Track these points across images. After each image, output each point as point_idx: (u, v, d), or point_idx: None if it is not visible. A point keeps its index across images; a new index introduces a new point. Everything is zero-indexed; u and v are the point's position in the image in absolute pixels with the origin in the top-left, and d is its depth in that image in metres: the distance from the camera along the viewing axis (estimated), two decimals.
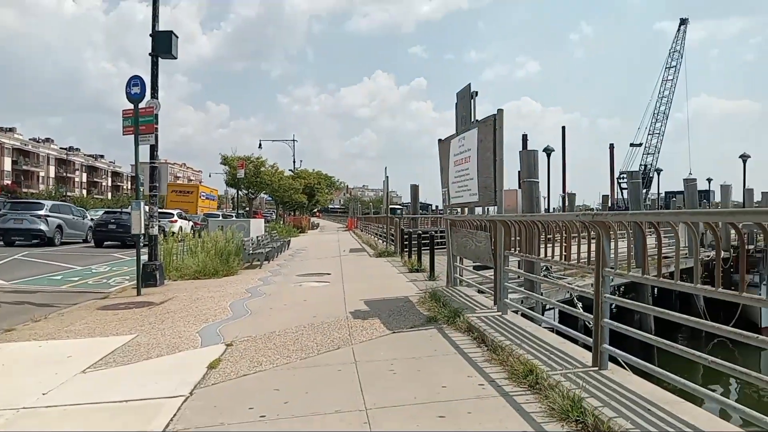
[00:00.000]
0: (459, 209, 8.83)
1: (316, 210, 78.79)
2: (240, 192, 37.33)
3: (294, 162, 49.93)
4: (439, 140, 8.85)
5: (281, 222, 40.90)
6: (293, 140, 49.72)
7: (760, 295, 16.17)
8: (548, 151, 29.53)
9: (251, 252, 14.75)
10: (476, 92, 7.20)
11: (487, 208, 7.88)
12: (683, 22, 66.87)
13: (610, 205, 48.01)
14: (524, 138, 49.33)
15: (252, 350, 5.49)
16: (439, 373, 4.54)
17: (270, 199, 51.42)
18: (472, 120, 7.22)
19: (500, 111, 6.45)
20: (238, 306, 8.13)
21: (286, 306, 8.22)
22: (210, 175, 64.35)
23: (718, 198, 29.78)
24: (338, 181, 69.16)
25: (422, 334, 6.00)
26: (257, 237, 17.36)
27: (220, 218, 31.77)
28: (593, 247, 4.22)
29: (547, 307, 12.71)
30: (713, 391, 3.77)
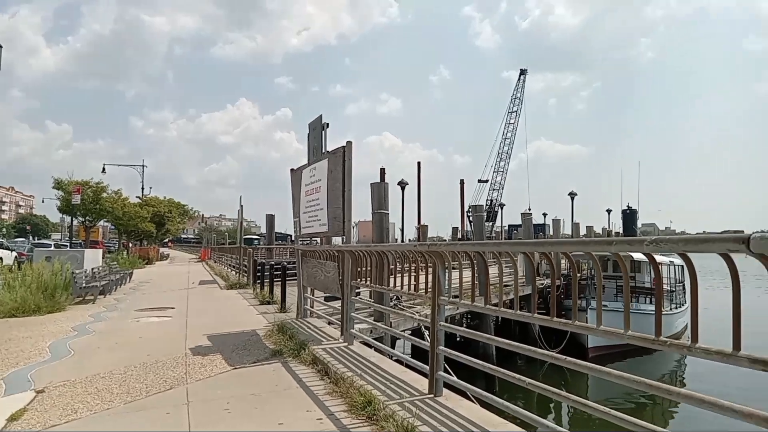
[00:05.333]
0: (311, 239, 8.78)
1: (167, 240, 74.11)
2: (76, 220, 33.91)
3: (142, 189, 46.71)
4: (292, 170, 8.76)
5: (125, 252, 37.75)
6: (142, 165, 46.58)
7: (587, 318, 17.96)
8: (403, 184, 30.74)
9: (84, 285, 13.35)
10: (327, 123, 7.25)
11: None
12: (523, 72, 74.25)
13: (459, 236, 50.88)
14: (382, 171, 50.93)
15: (68, 396, 4.87)
16: (277, 409, 4.36)
17: (114, 228, 47.33)
18: (323, 151, 7.24)
19: (349, 143, 6.55)
20: (59, 346, 7.24)
21: (117, 345, 7.47)
22: (43, 201, 57.61)
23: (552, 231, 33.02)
24: (192, 209, 65.93)
25: (265, 369, 5.76)
26: (93, 269, 15.78)
27: (52, 248, 28.62)
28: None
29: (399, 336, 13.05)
30: (545, 417, 4.01)
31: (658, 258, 2.59)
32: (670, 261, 22.54)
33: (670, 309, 20.33)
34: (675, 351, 2.34)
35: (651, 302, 20.10)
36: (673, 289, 21.68)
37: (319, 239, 8.58)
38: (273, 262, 14.42)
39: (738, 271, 2.12)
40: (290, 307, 10.34)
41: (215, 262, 35.74)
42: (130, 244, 44.99)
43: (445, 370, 4.44)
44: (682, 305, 22.19)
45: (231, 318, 9.87)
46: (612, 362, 17.26)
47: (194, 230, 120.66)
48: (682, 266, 22.63)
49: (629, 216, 38.31)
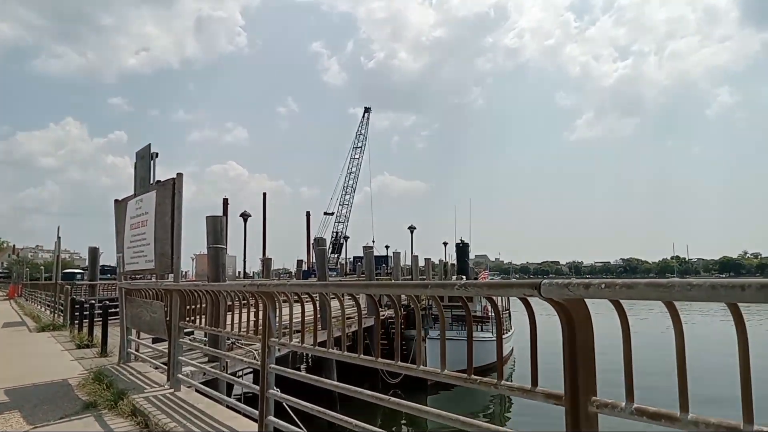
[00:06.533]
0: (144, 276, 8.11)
1: None
2: None
3: None
4: (116, 201, 8.07)
5: None
6: None
7: (426, 347, 18.57)
8: (245, 216, 30.00)
9: None
10: (156, 153, 6.82)
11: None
12: (367, 110, 77.33)
13: (305, 268, 50.75)
14: (225, 202, 49.29)
15: None
16: None
17: None
18: (151, 182, 6.79)
19: (180, 175, 6.21)
20: None
21: None
22: None
23: (392, 263, 34.24)
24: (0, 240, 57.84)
25: (74, 426, 5.11)
26: None
27: None
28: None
29: (241, 374, 12.45)
30: None
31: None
32: None
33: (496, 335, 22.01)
34: (485, 389, 2.48)
35: (482, 329, 21.64)
36: (501, 315, 23.58)
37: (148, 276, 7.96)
38: (94, 300, 13.07)
39: (534, 313, 2.33)
40: (113, 351, 9.39)
41: (27, 300, 31.55)
42: None
43: (286, 414, 4.31)
44: (509, 331, 24.18)
45: (39, 366, 8.69)
46: (450, 388, 18.15)
47: (3, 263, 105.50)
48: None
49: (462, 249, 41.21)
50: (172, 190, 6.23)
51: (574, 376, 2.06)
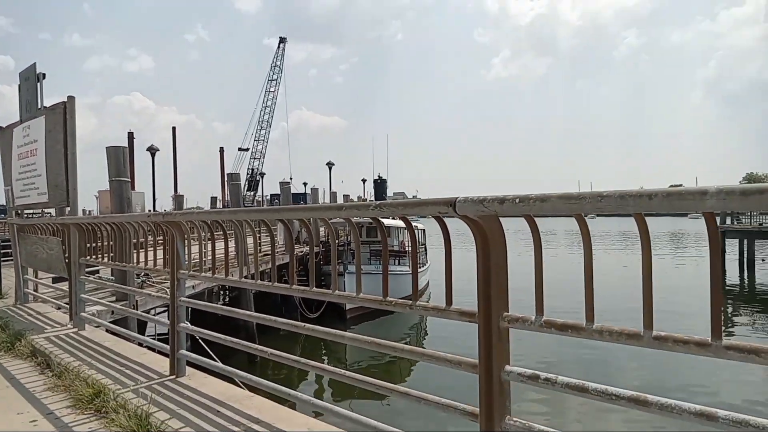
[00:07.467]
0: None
1: None
2: None
3: None
4: None
5: None
6: None
7: (345, 282, 18.74)
8: (153, 150, 28.32)
9: None
10: (43, 74, 6.13)
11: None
12: (282, 40, 74.05)
13: (220, 205, 49.45)
14: (130, 136, 46.38)
15: None
16: None
17: None
18: (39, 106, 6.13)
19: (71, 98, 5.63)
20: None
21: None
22: None
23: (311, 200, 33.93)
24: None
25: None
26: None
27: None
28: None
29: (154, 313, 12.06)
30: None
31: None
32: (415, 226, 25.09)
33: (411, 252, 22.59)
34: (400, 310, 2.47)
35: (399, 263, 22.18)
36: (418, 250, 24.12)
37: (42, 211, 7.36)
38: None
39: (449, 232, 2.30)
40: (8, 293, 8.76)
41: None
42: None
43: (201, 349, 4.20)
44: (424, 265, 24.94)
45: None
46: (368, 321, 18.59)
47: None
48: (424, 230, 25.43)
49: (380, 185, 41.45)
50: (63, 115, 5.65)
51: (488, 293, 2.05)
